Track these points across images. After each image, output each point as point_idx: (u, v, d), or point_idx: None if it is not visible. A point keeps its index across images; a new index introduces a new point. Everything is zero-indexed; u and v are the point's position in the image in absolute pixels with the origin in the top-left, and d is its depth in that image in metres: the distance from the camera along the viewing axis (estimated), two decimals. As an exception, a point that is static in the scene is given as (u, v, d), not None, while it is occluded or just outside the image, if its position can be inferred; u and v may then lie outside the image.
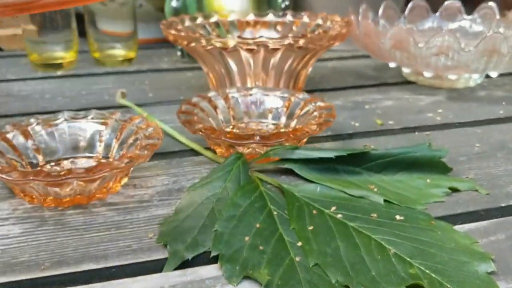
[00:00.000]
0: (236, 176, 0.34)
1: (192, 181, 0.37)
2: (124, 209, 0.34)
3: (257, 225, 0.31)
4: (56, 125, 0.40)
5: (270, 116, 0.47)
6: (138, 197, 0.35)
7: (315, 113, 0.43)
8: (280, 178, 0.38)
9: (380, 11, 0.69)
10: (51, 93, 0.58)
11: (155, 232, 0.31)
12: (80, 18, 0.69)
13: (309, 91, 0.58)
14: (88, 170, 0.31)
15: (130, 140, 0.38)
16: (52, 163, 0.38)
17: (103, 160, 0.39)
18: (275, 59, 0.50)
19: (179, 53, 0.70)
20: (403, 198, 0.34)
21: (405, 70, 0.60)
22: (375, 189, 0.36)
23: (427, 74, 0.57)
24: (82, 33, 0.70)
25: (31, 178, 0.30)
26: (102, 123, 0.40)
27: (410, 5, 0.71)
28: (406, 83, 0.61)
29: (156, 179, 0.38)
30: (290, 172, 0.38)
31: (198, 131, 0.38)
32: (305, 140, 0.42)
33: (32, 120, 0.39)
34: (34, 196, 0.33)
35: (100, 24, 0.68)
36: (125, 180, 0.37)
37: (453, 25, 0.71)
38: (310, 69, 0.56)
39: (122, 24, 0.68)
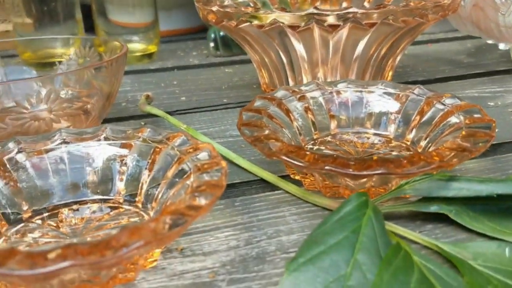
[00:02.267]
0: (370, 239, 0.19)
1: (277, 239, 0.22)
2: (169, 303, 0.19)
3: None
4: (49, 151, 0.25)
5: (369, 123, 0.31)
6: (191, 275, 0.20)
7: (453, 119, 0.27)
8: (424, 228, 0.23)
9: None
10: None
11: None
12: (86, 7, 0.54)
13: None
14: (102, 246, 0.16)
15: (171, 174, 0.23)
16: (44, 215, 0.23)
17: (130, 219, 0.24)
18: (364, 41, 0.35)
19: (212, 45, 0.55)
20: None
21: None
22: None
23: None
24: (89, 26, 0.55)
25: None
26: (123, 146, 0.25)
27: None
28: (521, 70, 0.46)
29: (217, 236, 0.23)
30: (439, 218, 0.23)
31: (280, 156, 0.23)
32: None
33: (11, 144, 0.24)
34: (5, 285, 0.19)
35: (112, 13, 0.53)
36: (165, 242, 0.22)
37: None
38: (399, 58, 0.40)
39: (140, 13, 0.53)
